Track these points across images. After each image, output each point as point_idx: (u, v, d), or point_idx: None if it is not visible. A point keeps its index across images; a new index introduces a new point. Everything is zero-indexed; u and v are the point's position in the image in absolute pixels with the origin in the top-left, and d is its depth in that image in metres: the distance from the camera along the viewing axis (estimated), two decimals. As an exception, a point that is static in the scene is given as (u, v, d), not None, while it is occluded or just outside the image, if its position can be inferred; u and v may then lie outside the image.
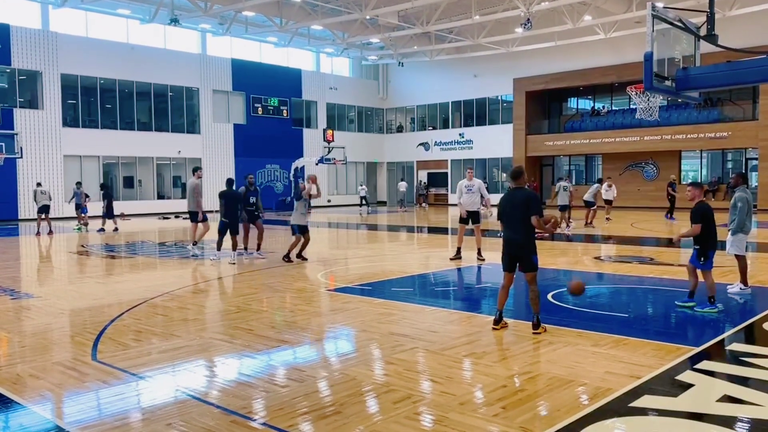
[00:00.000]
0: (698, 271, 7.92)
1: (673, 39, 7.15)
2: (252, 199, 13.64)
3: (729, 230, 8.93)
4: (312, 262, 12.73)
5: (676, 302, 8.14)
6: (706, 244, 7.71)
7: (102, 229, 21.26)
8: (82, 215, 22.65)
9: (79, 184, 23.32)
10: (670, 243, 16.57)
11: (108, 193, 21.77)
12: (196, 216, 14.29)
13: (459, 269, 11.93)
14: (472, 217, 12.77)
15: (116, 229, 21.36)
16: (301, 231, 12.74)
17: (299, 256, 12.90)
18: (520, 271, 6.87)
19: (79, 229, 22.23)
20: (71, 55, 28.73)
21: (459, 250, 12.94)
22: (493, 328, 6.85)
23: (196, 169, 14.64)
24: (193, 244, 14.45)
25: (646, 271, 11.34)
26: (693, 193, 7.94)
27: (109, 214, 21.42)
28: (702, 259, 7.76)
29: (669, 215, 23.41)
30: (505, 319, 6.98)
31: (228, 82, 34.74)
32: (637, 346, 6.13)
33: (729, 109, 30.78)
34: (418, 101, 42.21)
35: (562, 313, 7.80)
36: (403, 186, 37.75)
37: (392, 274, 11.44)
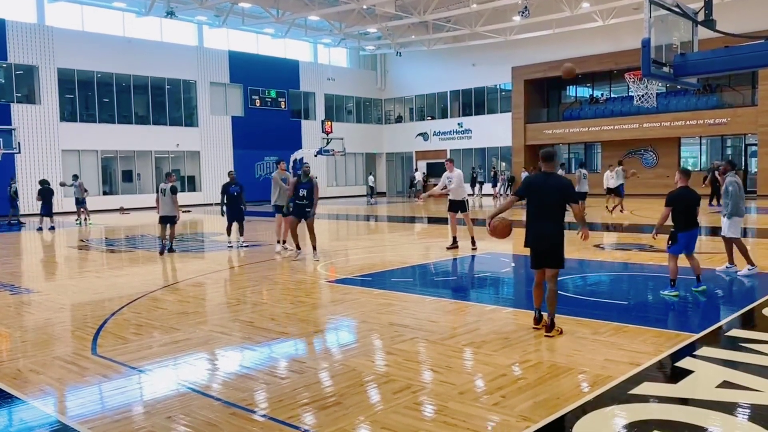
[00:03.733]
0: (685, 256, 7.99)
1: (671, 25, 7.11)
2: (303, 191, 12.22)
3: (724, 215, 9.05)
4: (312, 253, 12.70)
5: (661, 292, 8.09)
6: (676, 227, 7.82)
7: (40, 228, 20.37)
8: (81, 210, 22.64)
9: (76, 176, 23.30)
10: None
11: (46, 189, 20.62)
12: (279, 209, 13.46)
13: (457, 259, 11.93)
14: (460, 207, 12.77)
15: (47, 228, 20.34)
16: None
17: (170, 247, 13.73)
18: (546, 266, 6.25)
19: (79, 223, 22.20)
20: (67, 49, 28.61)
21: (455, 239, 12.95)
22: (534, 328, 6.37)
23: (278, 161, 14.61)
24: (282, 242, 13.36)
25: (645, 259, 11.35)
26: (676, 178, 8.11)
27: (46, 211, 20.46)
28: (670, 241, 7.84)
29: (712, 202, 22.18)
30: (505, 308, 6.98)
31: (225, 74, 34.61)
32: (636, 334, 6.13)
33: (728, 95, 30.67)
34: (416, 91, 42.07)
35: (562, 301, 7.78)
36: (419, 175, 37.68)
37: (392, 264, 11.45)
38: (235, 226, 14.09)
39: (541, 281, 6.37)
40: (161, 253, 13.18)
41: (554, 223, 6.16)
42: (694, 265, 7.97)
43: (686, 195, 7.86)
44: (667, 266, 7.99)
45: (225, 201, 13.96)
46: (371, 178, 36.88)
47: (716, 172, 22.93)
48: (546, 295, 6.30)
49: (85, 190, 22.93)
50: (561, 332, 6.18)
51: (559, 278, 7.77)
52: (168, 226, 13.31)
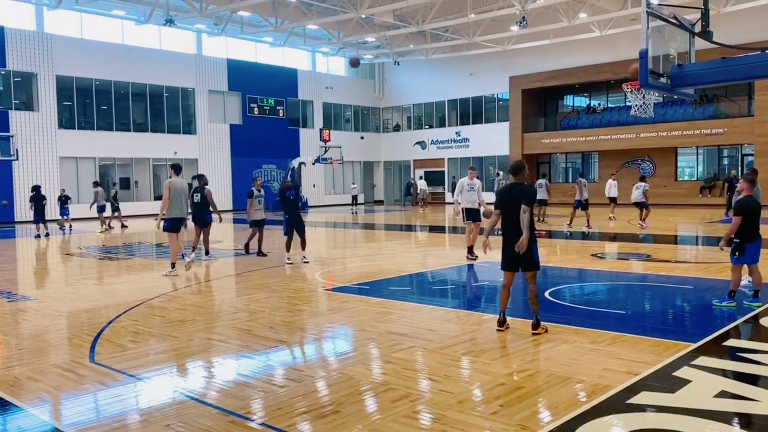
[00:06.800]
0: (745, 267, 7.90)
1: (668, 36, 7.14)
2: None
3: None
4: (310, 261, 12.70)
5: (713, 302, 7.97)
6: (743, 238, 7.66)
7: (38, 235, 20.07)
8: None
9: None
10: (666, 239, 16.62)
11: (38, 196, 20.16)
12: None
13: (456, 268, 11.93)
14: (473, 215, 12.74)
15: (43, 235, 20.12)
16: (256, 225, 13.86)
17: (259, 251, 13.80)
18: (521, 270, 6.69)
19: (107, 230, 22.10)
20: (66, 56, 28.65)
21: (471, 249, 12.62)
22: (498, 330, 6.70)
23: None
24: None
25: (643, 268, 11.36)
26: (741, 186, 7.97)
27: (39, 218, 20.03)
28: (737, 253, 7.70)
29: (728, 213, 22.03)
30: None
31: (224, 83, 34.69)
32: (634, 343, 6.14)
33: (725, 106, 30.82)
34: (414, 100, 42.20)
35: (560, 310, 7.81)
36: (423, 184, 37.69)
37: (390, 273, 11.44)
38: (296, 239, 12.65)
39: (509, 284, 6.80)
40: (258, 254, 13.69)
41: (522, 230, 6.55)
42: (735, 278, 7.81)
43: (753, 203, 7.78)
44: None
45: (284, 209, 12.71)
46: (354, 186, 36.85)
47: (729, 182, 22.83)
48: (528, 296, 6.71)
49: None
50: (546, 330, 6.55)
51: (556, 287, 7.77)
52: (255, 229, 13.91)
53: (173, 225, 11.30)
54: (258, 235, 13.91)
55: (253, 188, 13.94)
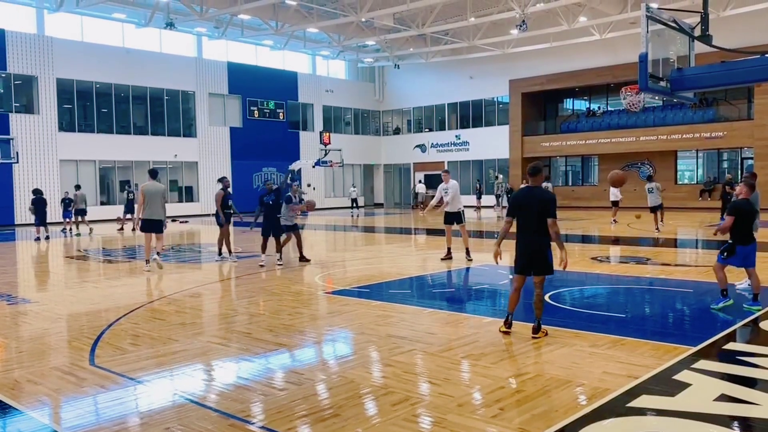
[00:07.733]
0: (748, 269, 7.92)
1: (668, 40, 7.16)
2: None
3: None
4: (309, 264, 12.72)
5: (711, 306, 7.94)
6: (734, 239, 7.72)
7: (38, 238, 20.06)
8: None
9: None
10: (666, 243, 16.63)
11: (40, 199, 20.19)
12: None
13: (454, 271, 11.94)
14: (455, 218, 12.94)
15: (43, 238, 20.14)
16: (289, 230, 13.26)
17: (301, 256, 13.34)
18: (533, 274, 6.63)
19: (78, 234, 22.15)
20: (67, 59, 28.70)
21: (449, 250, 13.12)
22: (504, 331, 6.72)
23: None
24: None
25: (643, 272, 11.36)
26: (740, 190, 8.06)
27: (40, 221, 20.06)
28: (725, 253, 7.76)
29: (723, 216, 21.94)
30: (503, 320, 6.97)
31: (224, 86, 34.73)
32: (634, 347, 6.14)
33: (724, 109, 30.86)
34: (414, 103, 42.23)
35: (560, 314, 7.81)
36: (421, 188, 37.68)
37: (390, 276, 11.45)
38: (271, 241, 12.94)
39: (520, 287, 6.75)
40: (301, 259, 13.12)
41: (537, 234, 6.55)
42: (719, 277, 7.85)
43: (746, 206, 7.81)
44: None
45: (262, 213, 13.03)
46: (353, 189, 36.96)
47: (728, 186, 22.97)
48: (533, 300, 6.68)
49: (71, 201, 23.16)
50: (546, 334, 6.55)
51: (556, 291, 7.76)
52: (289, 234, 13.24)
53: (143, 225, 12.27)
54: (296, 240, 13.32)
55: (289, 193, 13.75)
